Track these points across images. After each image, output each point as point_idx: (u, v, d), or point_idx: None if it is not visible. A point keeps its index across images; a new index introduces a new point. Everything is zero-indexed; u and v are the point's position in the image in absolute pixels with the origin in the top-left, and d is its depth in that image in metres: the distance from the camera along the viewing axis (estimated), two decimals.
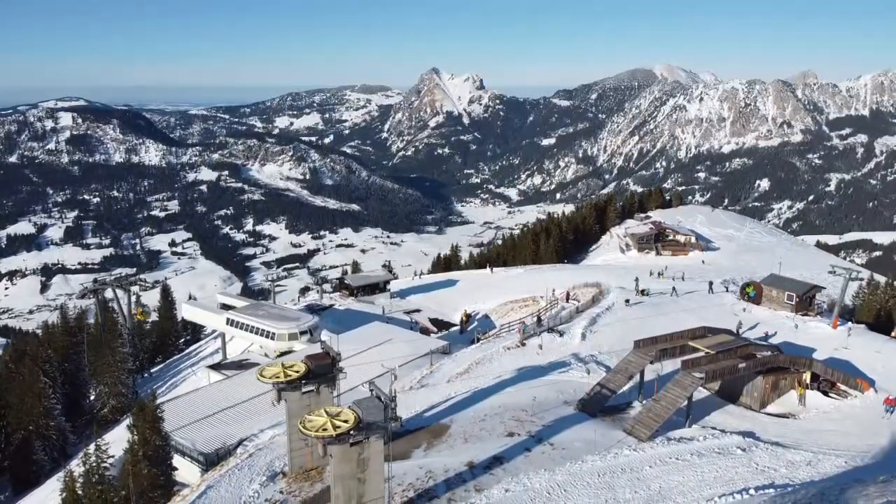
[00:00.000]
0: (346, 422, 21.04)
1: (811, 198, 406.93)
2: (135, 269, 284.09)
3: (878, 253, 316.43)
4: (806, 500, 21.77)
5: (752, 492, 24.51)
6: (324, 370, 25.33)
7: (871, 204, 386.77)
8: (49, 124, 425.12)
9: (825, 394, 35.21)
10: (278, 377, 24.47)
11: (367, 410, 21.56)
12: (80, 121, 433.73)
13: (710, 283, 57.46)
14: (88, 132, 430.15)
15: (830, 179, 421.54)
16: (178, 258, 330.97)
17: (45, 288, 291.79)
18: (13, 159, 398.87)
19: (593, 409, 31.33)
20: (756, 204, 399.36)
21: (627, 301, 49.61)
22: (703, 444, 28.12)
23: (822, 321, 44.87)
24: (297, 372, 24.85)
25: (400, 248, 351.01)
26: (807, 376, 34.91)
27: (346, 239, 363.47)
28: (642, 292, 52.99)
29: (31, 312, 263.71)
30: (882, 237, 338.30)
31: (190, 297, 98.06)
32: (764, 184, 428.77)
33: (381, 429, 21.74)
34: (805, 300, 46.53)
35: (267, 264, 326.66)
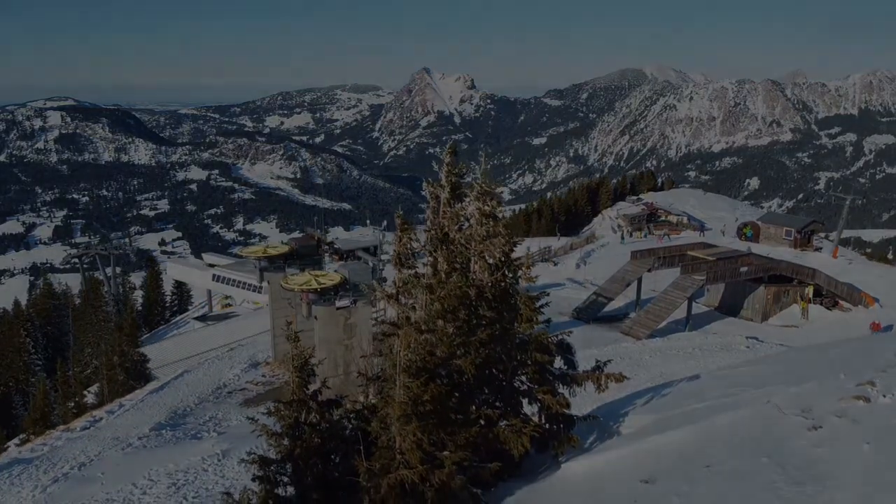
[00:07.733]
0: (331, 281, 19.91)
1: (800, 196, 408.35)
2: (121, 268, 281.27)
3: (867, 250, 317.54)
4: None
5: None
6: (309, 251, 24.16)
7: (860, 202, 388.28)
8: (38, 123, 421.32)
9: (828, 309, 34.26)
10: (259, 253, 23.29)
11: (353, 272, 20.43)
12: (68, 120, 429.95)
13: (702, 225, 56.77)
14: (77, 131, 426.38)
15: (820, 178, 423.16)
16: (168, 257, 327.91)
17: (33, 287, 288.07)
18: (1, 158, 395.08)
19: (588, 317, 30.27)
20: (746, 202, 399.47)
21: (622, 239, 48.82)
22: (705, 341, 27.17)
23: (823, 253, 44.06)
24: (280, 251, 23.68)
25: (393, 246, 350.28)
26: (809, 291, 33.96)
27: (337, 238, 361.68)
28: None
29: None
30: (871, 234, 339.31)
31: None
32: (754, 182, 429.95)
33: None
34: (804, 235, 45.68)
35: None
